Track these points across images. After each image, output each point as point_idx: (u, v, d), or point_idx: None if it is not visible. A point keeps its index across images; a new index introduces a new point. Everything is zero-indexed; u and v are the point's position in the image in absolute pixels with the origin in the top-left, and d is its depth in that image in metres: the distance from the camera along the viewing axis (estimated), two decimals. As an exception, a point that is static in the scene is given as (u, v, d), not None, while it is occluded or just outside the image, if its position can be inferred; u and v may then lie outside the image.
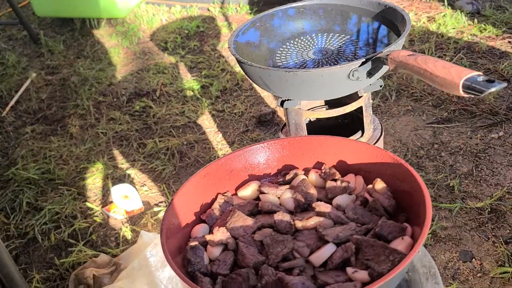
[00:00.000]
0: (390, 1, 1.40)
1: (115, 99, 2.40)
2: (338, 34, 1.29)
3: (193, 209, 0.83)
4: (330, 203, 0.79)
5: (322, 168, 0.86)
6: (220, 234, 0.74)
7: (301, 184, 0.82)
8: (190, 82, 2.49)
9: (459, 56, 2.28)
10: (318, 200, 0.81)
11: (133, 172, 1.99)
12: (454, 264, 1.41)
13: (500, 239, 1.44)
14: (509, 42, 2.37)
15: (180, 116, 2.28)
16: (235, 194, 0.88)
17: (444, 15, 2.62)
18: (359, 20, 1.30)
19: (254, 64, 1.10)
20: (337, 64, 1.11)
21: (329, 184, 0.82)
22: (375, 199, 0.75)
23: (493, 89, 0.73)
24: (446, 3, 2.72)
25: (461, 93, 0.78)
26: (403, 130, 1.98)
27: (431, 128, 1.96)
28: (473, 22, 2.52)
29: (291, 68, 1.15)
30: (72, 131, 2.22)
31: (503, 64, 2.18)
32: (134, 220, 1.80)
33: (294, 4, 1.37)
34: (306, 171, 0.88)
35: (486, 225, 1.50)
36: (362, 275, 0.64)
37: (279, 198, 0.83)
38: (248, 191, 0.86)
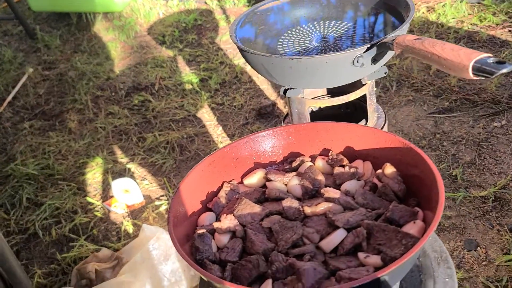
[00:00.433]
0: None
1: (113, 94, 2.38)
2: (340, 22, 1.27)
3: (199, 198, 0.81)
4: (339, 190, 0.78)
5: (329, 154, 0.85)
6: (228, 221, 0.73)
7: (309, 170, 0.81)
8: (188, 75, 2.47)
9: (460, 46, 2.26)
10: (326, 186, 0.80)
11: (133, 166, 1.98)
12: (459, 253, 1.40)
13: (504, 227, 1.44)
14: (510, 31, 2.36)
15: (180, 109, 2.26)
16: (241, 182, 0.87)
17: (443, 5, 2.61)
18: (361, 7, 1.28)
19: (257, 52, 1.09)
20: (341, 51, 1.10)
21: (337, 170, 0.81)
22: (385, 184, 0.74)
23: (504, 70, 0.71)
24: (445, -7, 2.71)
25: (471, 75, 0.77)
26: (404, 120, 1.97)
27: (433, 118, 1.95)
28: (473, 12, 2.51)
29: (294, 55, 1.13)
30: (70, 126, 2.20)
31: (503, 53, 2.16)
32: (135, 214, 1.78)
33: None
34: (313, 158, 0.86)
35: (490, 214, 1.49)
36: (375, 259, 0.63)
37: (286, 185, 0.82)
38: (254, 179, 0.85)
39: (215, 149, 2.03)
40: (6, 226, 1.76)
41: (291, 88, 1.18)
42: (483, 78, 0.76)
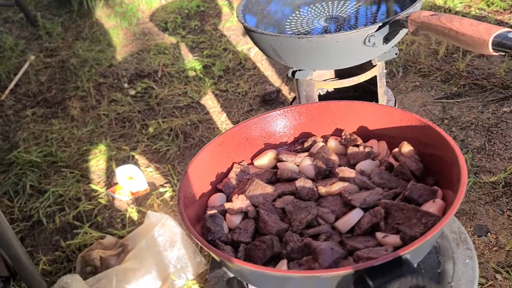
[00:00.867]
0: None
1: (116, 81, 2.34)
2: (349, 1, 1.24)
3: (208, 179, 0.79)
4: (353, 169, 0.76)
5: (342, 134, 0.82)
6: (240, 202, 0.71)
7: (321, 150, 0.78)
8: (192, 62, 2.44)
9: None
10: (339, 166, 0.77)
11: (137, 154, 1.95)
12: (468, 238, 1.38)
13: (515, 212, 1.42)
14: (518, 15, 2.31)
15: (183, 96, 2.23)
16: (251, 163, 0.84)
17: (451, -10, 2.56)
18: (372, -14, 1.25)
19: (265, 32, 1.05)
20: (352, 29, 1.07)
21: (351, 150, 0.78)
22: (402, 163, 0.72)
23: (527, 44, 0.69)
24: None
25: (491, 51, 0.74)
26: (411, 106, 1.94)
27: (441, 104, 1.92)
28: (481, -4, 2.47)
29: (304, 34, 1.10)
30: (73, 113, 2.17)
31: (513, 37, 2.12)
32: (139, 201, 1.76)
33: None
34: (325, 138, 0.84)
35: (501, 199, 1.47)
36: (394, 239, 0.61)
37: (298, 165, 0.80)
38: (265, 159, 0.82)
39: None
40: (10, 214, 1.74)
41: (299, 70, 1.15)
42: (503, 53, 0.73)
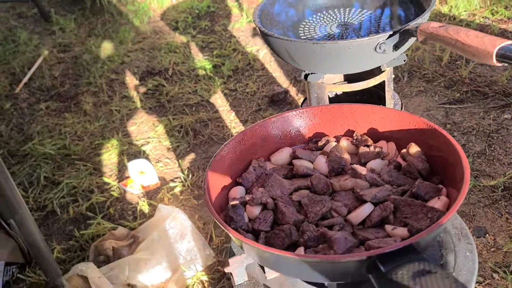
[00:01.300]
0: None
1: (127, 78, 2.41)
2: (359, 10, 1.30)
3: (229, 172, 0.85)
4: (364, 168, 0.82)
5: (354, 135, 0.88)
6: (260, 194, 0.77)
7: (334, 149, 0.84)
8: (202, 61, 2.50)
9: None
10: (351, 164, 0.83)
11: (148, 149, 2.02)
12: (467, 239, 1.45)
13: (512, 215, 1.48)
14: (521, 25, 2.37)
15: (193, 94, 2.29)
16: (268, 159, 0.90)
17: (456, -2, 2.62)
18: (383, -5, 1.31)
19: (282, 36, 1.12)
20: (362, 37, 1.13)
21: (362, 149, 0.84)
22: (409, 163, 0.78)
23: (528, 56, 0.75)
24: (458, -15, 2.72)
25: (494, 62, 0.80)
26: (415, 110, 2.00)
27: (443, 109, 1.98)
28: (485, 5, 2.52)
29: (318, 40, 1.16)
30: (85, 108, 2.24)
31: (515, 46, 2.18)
32: (150, 194, 1.82)
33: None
34: (337, 139, 0.90)
35: (499, 202, 1.53)
36: (401, 231, 0.67)
37: (312, 162, 0.86)
38: (281, 156, 0.89)
39: (229, 134, 2.07)
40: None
41: (312, 73, 1.21)
42: (506, 64, 0.79)
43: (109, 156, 1.99)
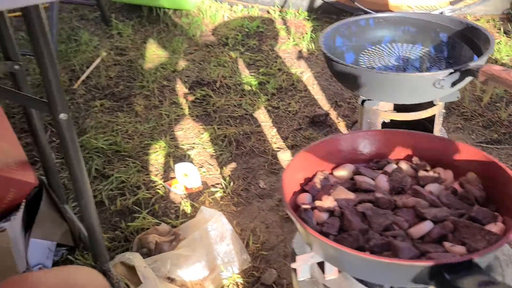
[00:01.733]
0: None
1: (178, 85, 2.55)
2: (418, 46, 1.40)
3: (297, 180, 0.95)
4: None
5: (413, 159, 0.97)
6: (329, 202, 0.86)
7: (396, 170, 0.93)
8: (248, 77, 2.62)
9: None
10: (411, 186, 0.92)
11: (192, 153, 2.13)
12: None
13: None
14: None
15: (238, 107, 2.41)
16: (331, 173, 1.00)
17: (498, 42, 2.70)
18: (441, 35, 1.40)
19: (348, 64, 1.22)
20: (421, 72, 1.22)
21: (421, 173, 0.93)
22: (467, 190, 0.86)
23: None
24: (501, 30, 2.80)
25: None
26: (453, 146, 2.07)
27: (480, 147, 2.04)
28: (528, 52, 2.59)
29: (384, 71, 1.26)
30: (137, 109, 2.38)
31: (556, 95, 2.24)
32: (192, 196, 1.92)
33: (376, 15, 1.48)
34: (397, 161, 0.99)
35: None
36: (460, 248, 0.75)
37: (374, 180, 0.94)
38: (344, 171, 0.98)
39: (269, 148, 2.17)
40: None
41: (368, 100, 1.31)
42: None
43: (156, 157, 2.11)
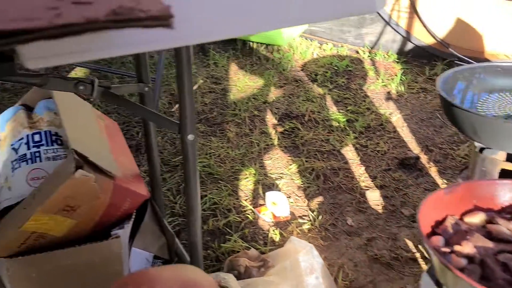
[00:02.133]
0: None
1: (268, 116, 2.65)
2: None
3: (428, 221, 0.95)
4: None
5: (553, 214, 0.93)
6: (469, 248, 0.85)
7: (535, 223, 0.90)
8: (336, 113, 2.67)
9: None
10: (553, 241, 0.88)
11: (280, 183, 2.18)
12: None
13: None
14: None
15: (325, 142, 2.45)
16: (460, 218, 0.99)
17: None
18: None
19: (471, 110, 1.22)
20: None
21: None
22: None
23: None
24: None
25: None
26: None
27: None
28: None
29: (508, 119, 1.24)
30: (229, 135, 2.50)
31: None
32: (280, 225, 1.96)
33: (498, 63, 1.47)
34: (533, 214, 0.96)
35: None
36: None
37: (510, 230, 0.92)
38: (476, 218, 0.96)
39: (357, 186, 2.17)
40: (171, 208, 2.04)
41: (487, 148, 1.28)
42: None
43: (246, 182, 2.19)
